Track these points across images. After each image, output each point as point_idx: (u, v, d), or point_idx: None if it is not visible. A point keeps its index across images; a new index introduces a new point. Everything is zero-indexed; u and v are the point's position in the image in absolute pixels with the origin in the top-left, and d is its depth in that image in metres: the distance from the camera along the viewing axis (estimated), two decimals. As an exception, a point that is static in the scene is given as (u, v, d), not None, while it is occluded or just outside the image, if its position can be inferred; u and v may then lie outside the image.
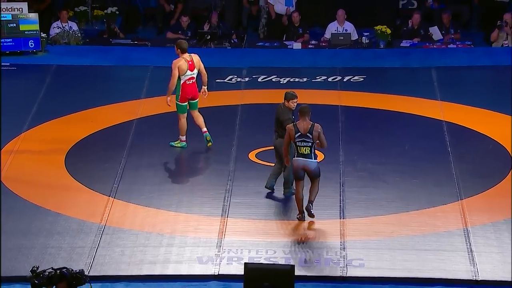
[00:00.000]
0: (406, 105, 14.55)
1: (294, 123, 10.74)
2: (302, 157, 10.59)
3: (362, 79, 15.61)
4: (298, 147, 10.62)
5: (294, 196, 11.06)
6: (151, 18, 19.73)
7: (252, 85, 15.42)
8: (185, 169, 12.08)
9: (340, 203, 11.07)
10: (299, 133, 10.59)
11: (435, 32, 17.65)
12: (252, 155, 12.51)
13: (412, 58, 16.83)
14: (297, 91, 11.59)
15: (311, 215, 10.66)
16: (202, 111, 12.92)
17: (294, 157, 10.70)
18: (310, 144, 10.60)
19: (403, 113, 14.26)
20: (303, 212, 10.74)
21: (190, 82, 12.56)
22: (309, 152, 10.59)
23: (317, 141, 10.66)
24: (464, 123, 13.72)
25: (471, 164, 12.22)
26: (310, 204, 10.68)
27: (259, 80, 15.65)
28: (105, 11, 18.75)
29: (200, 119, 12.69)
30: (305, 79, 15.44)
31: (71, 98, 14.67)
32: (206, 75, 12.74)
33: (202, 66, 12.68)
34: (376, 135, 13.23)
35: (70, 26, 17.60)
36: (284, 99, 11.20)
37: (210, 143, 12.54)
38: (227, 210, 10.89)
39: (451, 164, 12.19)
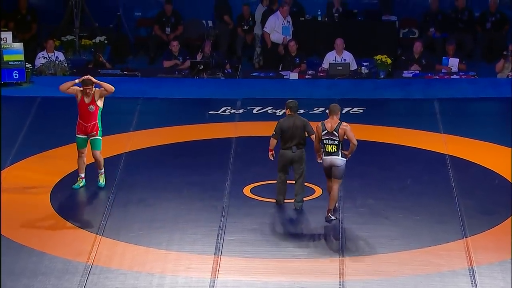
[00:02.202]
0: (407, 138, 14.59)
1: (322, 122, 11.53)
2: (329, 155, 11.44)
3: (361, 111, 15.66)
4: (325, 145, 11.50)
5: (286, 236, 11.16)
6: (141, 48, 19.82)
7: (247, 117, 15.46)
8: (176, 205, 12.06)
9: (339, 240, 11.05)
10: (326, 131, 11.48)
11: (454, 65, 17.71)
12: (247, 190, 12.51)
13: (414, 89, 16.90)
14: (294, 123, 11.78)
15: (331, 220, 11.50)
16: (195, 144, 12.96)
17: (322, 155, 11.53)
18: (336, 142, 11.44)
19: (405, 146, 14.29)
20: (336, 210, 11.62)
21: None
22: (335, 150, 11.46)
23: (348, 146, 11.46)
24: (468, 157, 13.74)
25: (476, 200, 12.22)
26: (329, 215, 11.51)
27: (254, 111, 15.69)
28: (93, 40, 18.82)
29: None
30: (302, 111, 15.43)
31: (57, 132, 14.66)
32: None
33: None
34: (377, 169, 13.24)
35: (57, 56, 17.65)
36: (296, 109, 11.92)
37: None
38: (220, 248, 10.86)
39: (455, 200, 12.19)
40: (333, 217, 11.54)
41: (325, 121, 11.63)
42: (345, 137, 11.49)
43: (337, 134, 11.45)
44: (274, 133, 11.89)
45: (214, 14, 19.53)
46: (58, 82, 16.91)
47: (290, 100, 12.07)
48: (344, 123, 11.54)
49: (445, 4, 19.84)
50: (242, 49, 19.49)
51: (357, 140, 11.64)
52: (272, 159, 11.92)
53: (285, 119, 11.93)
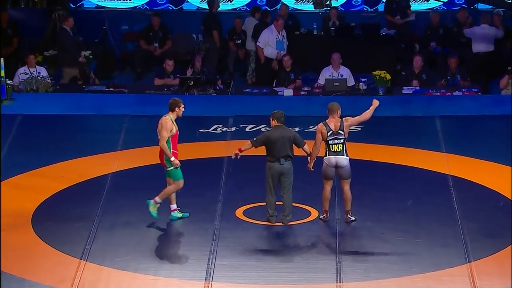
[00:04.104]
0: (408, 157, 14.60)
1: (325, 121, 11.85)
2: (334, 155, 11.77)
3: (359, 129, 15.65)
4: (330, 145, 11.92)
5: (280, 261, 11.09)
6: (128, 63, 19.83)
7: (239, 135, 15.45)
8: (165, 228, 12.04)
9: (337, 265, 11.04)
10: (331, 131, 11.79)
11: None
12: (239, 212, 12.50)
13: (414, 106, 16.94)
14: (289, 142, 11.82)
15: (351, 221, 12.01)
16: (185, 163, 12.91)
17: (325, 156, 11.90)
18: (342, 140, 11.94)
19: (405, 166, 14.30)
20: (328, 212, 12.03)
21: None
22: (341, 149, 11.93)
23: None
24: (472, 177, 13.76)
25: (480, 222, 12.23)
26: (349, 216, 11.99)
27: (247, 129, 15.70)
28: (78, 55, 18.84)
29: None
30: (297, 129, 15.47)
31: (40, 151, 14.65)
32: (160, 145, 12.05)
33: (159, 128, 12.16)
34: (375, 190, 13.25)
35: (39, 72, 17.64)
36: (283, 120, 12.08)
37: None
38: (211, 274, 10.84)
39: (458, 222, 12.19)
40: (352, 218, 12.00)
41: (326, 121, 12.02)
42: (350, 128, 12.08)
43: (342, 132, 11.90)
44: (255, 139, 12.08)
45: (202, 29, 19.51)
46: (40, 99, 17.06)
47: (275, 111, 12.21)
48: (344, 119, 12.01)
49: (446, 18, 19.92)
50: (234, 64, 19.51)
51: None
52: (233, 157, 12.04)
53: (272, 130, 12.08)
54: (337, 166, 11.90)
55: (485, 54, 18.52)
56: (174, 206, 12.27)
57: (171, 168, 12.10)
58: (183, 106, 12.25)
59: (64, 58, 18.34)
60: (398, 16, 19.29)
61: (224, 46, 19.48)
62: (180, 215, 12.24)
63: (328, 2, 18.91)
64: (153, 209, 12.07)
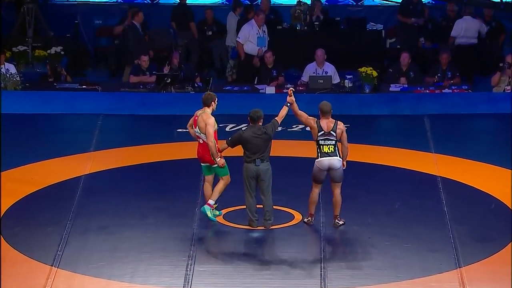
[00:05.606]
0: (395, 157, 14.65)
1: (317, 120, 11.81)
2: (327, 156, 11.72)
3: (345, 128, 15.70)
4: (321, 146, 11.81)
5: (261, 266, 11.13)
6: (102, 59, 19.80)
7: (219, 135, 15.33)
8: (141, 233, 12.03)
9: (321, 271, 11.07)
10: (323, 132, 11.81)
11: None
12: (219, 216, 12.50)
13: (402, 105, 17.00)
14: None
15: (340, 226, 12.02)
16: (162, 165, 12.93)
17: (317, 158, 11.77)
18: (334, 142, 11.81)
19: (392, 167, 14.34)
20: (313, 215, 12.02)
21: (199, 141, 12.29)
22: (333, 150, 11.81)
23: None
24: (462, 178, 13.82)
25: (470, 225, 12.28)
26: (337, 221, 11.98)
27: (227, 129, 15.72)
28: (48, 51, 18.80)
29: (207, 188, 12.26)
30: (279, 128, 15.47)
31: (8, 152, 14.59)
32: (209, 143, 11.97)
33: (202, 126, 12.10)
34: (362, 192, 13.29)
35: (7, 69, 17.59)
36: (259, 120, 12.08)
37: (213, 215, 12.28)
38: (190, 280, 10.85)
39: (448, 225, 12.24)
40: (341, 222, 12.03)
41: (319, 120, 11.93)
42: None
43: (334, 134, 11.84)
44: (230, 139, 12.09)
45: (174, 25, 19.44)
46: (9, 97, 17.00)
47: (252, 110, 12.20)
48: (340, 123, 11.91)
49: (435, 12, 19.99)
50: (221, 59, 19.52)
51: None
52: (222, 164, 11.96)
53: (246, 129, 12.09)
54: (329, 168, 11.87)
55: (467, 47, 18.58)
56: (212, 202, 12.23)
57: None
58: (216, 100, 12.19)
59: (127, 55, 18.28)
60: (413, 19, 19.26)
61: (202, 40, 19.48)
62: (217, 212, 12.22)
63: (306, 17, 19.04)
64: (210, 214, 12.04)
